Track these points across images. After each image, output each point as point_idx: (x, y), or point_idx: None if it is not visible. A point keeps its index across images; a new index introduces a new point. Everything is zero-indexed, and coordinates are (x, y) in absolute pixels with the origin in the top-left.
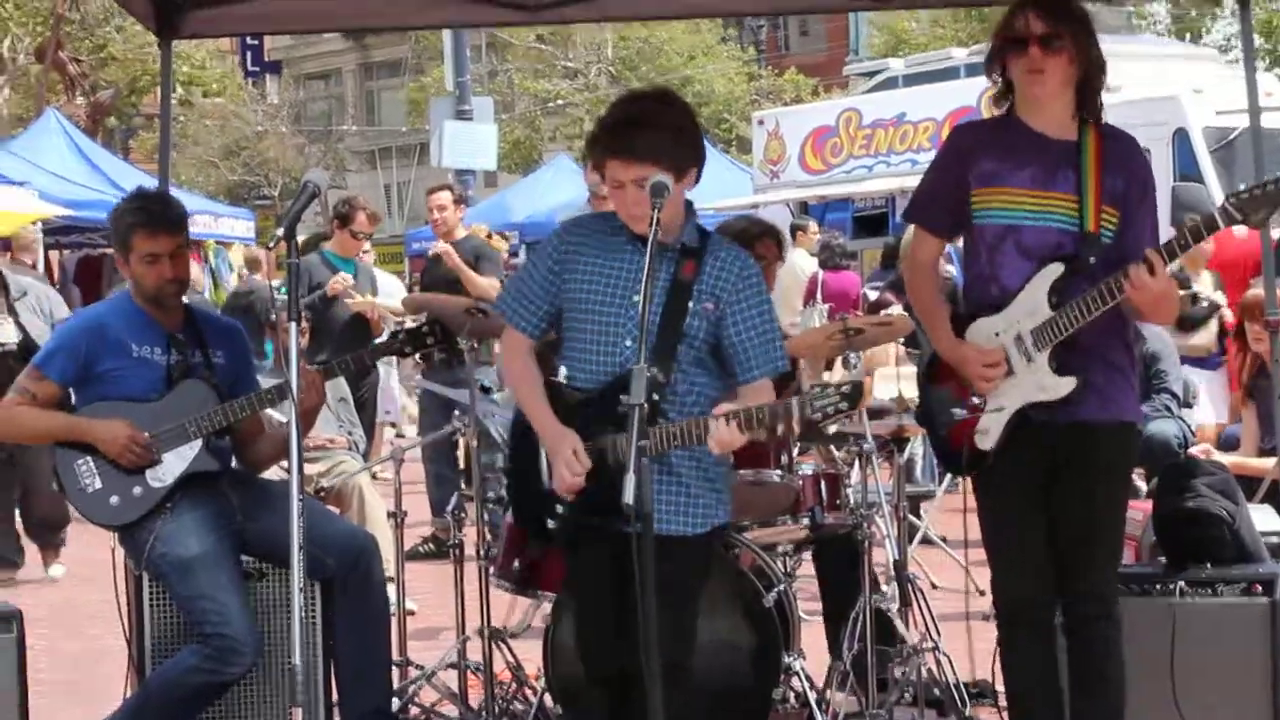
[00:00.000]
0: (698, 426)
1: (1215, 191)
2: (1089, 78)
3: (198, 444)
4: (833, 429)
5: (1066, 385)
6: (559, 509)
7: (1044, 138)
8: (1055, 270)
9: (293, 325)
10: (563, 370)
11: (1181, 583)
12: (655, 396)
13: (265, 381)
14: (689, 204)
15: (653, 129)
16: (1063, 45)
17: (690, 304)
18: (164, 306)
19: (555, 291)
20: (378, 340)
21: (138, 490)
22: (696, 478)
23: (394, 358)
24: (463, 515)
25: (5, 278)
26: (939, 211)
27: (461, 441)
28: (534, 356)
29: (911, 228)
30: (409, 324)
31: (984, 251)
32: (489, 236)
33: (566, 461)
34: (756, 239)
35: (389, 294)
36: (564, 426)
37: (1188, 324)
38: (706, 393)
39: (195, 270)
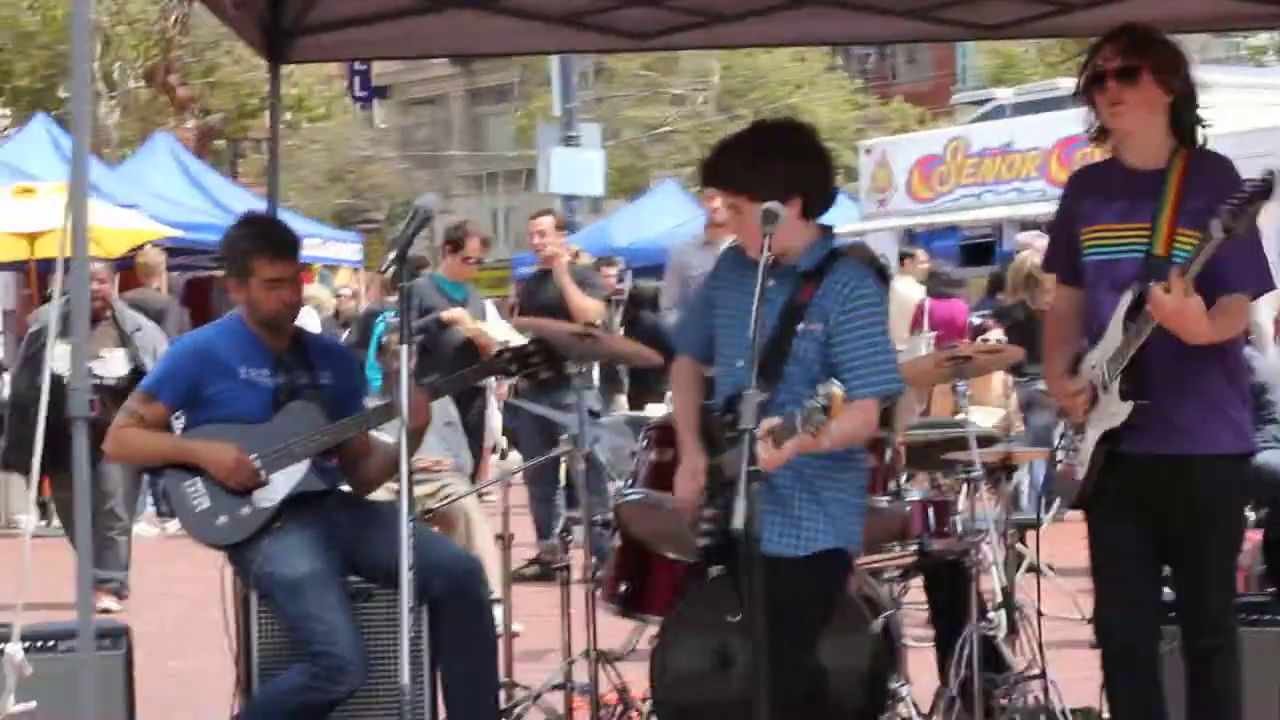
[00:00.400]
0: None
1: None
2: (1179, 105)
3: (305, 464)
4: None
5: (1125, 409)
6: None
7: (1134, 170)
8: (1127, 299)
9: (404, 348)
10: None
11: None
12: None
13: (372, 403)
14: (825, 227)
15: (737, 158)
16: (1139, 77)
17: (800, 325)
18: (278, 330)
19: (709, 315)
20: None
21: (245, 510)
22: (804, 500)
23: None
24: (569, 538)
25: (118, 312)
26: (1061, 258)
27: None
28: (698, 379)
29: (1023, 254)
30: (514, 344)
31: (1089, 289)
32: (576, 255)
33: (678, 483)
34: None
35: (490, 318)
36: (694, 447)
37: None
38: None
39: (325, 292)
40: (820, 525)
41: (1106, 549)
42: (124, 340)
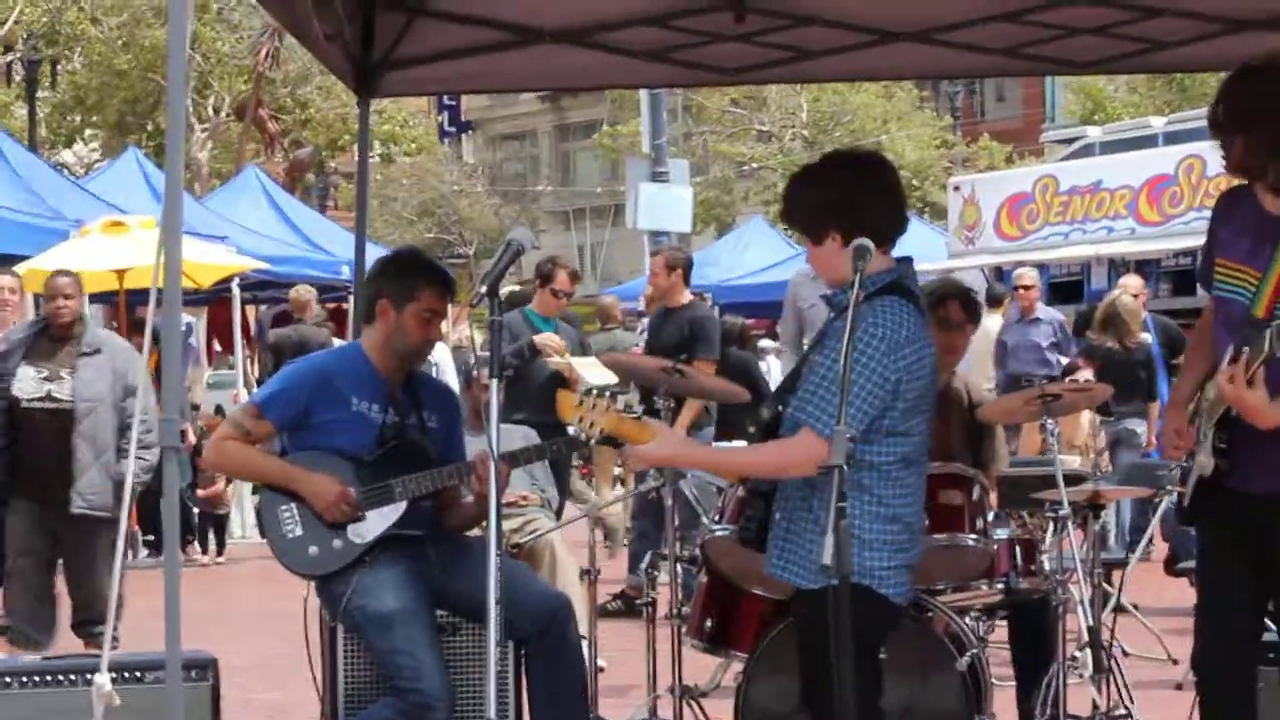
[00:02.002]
0: None
1: None
2: None
3: (402, 506)
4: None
5: (1210, 465)
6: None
7: (1259, 212)
8: (1228, 353)
9: (494, 382)
10: None
11: None
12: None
13: (469, 442)
14: (899, 259)
15: (787, 195)
16: (1227, 127)
17: (813, 354)
18: (406, 365)
19: None
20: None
21: (337, 544)
22: (809, 528)
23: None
24: (655, 573)
25: (88, 332)
26: (1206, 274)
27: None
28: None
29: (1112, 293)
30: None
31: (1215, 319)
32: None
33: None
34: (939, 301)
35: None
36: None
37: None
38: None
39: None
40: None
41: (1211, 581)
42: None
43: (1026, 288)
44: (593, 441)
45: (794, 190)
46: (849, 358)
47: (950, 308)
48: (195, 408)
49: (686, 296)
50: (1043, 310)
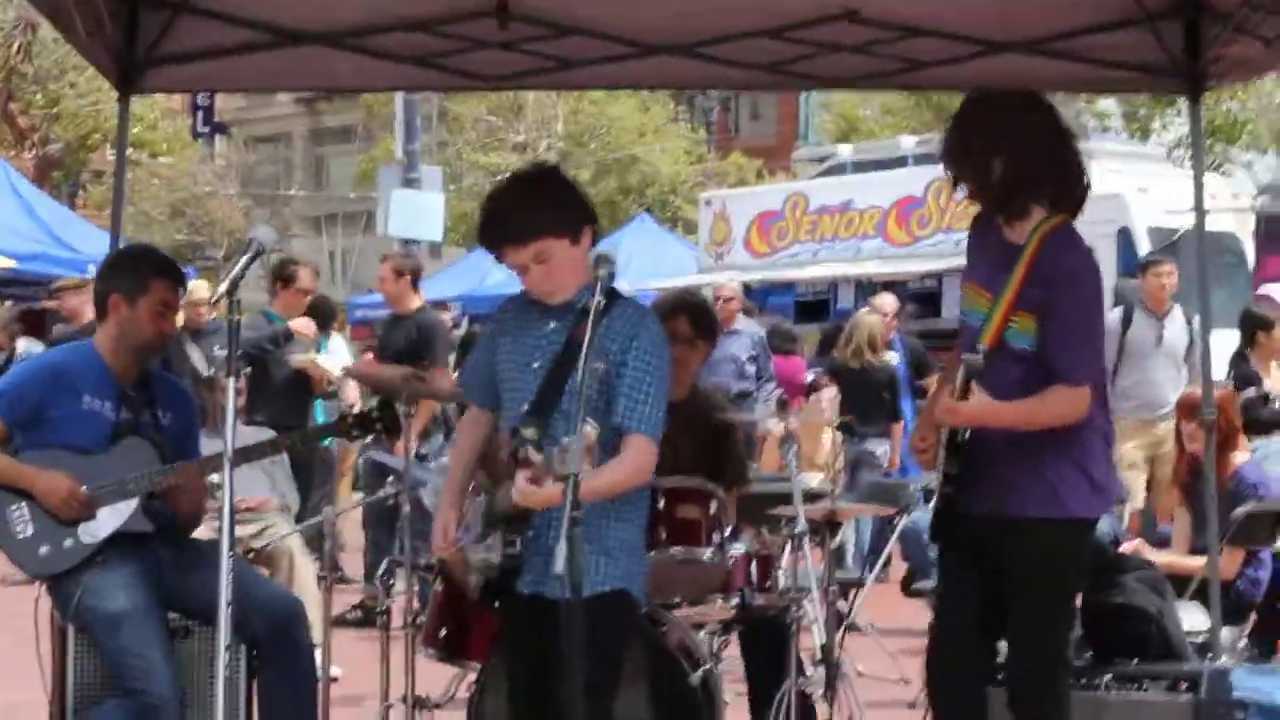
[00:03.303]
0: None
1: None
2: (1017, 183)
3: (134, 502)
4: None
5: (929, 478)
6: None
7: (1000, 237)
8: (959, 376)
9: (231, 382)
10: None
11: (1108, 677)
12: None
13: (208, 443)
14: (599, 261)
15: (531, 208)
16: (960, 157)
17: (579, 363)
18: (140, 361)
19: (495, 365)
20: (321, 417)
21: (68, 543)
22: (592, 543)
23: None
24: (390, 581)
25: None
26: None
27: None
28: (481, 428)
29: (860, 312)
30: (358, 407)
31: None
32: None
33: (437, 531)
34: (669, 315)
35: (333, 353)
36: (448, 501)
37: (1259, 426)
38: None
39: None
40: (601, 567)
41: (946, 601)
42: None
43: (726, 300)
44: None
45: (533, 198)
46: (638, 363)
47: (679, 322)
48: None
49: (415, 303)
50: (742, 323)
